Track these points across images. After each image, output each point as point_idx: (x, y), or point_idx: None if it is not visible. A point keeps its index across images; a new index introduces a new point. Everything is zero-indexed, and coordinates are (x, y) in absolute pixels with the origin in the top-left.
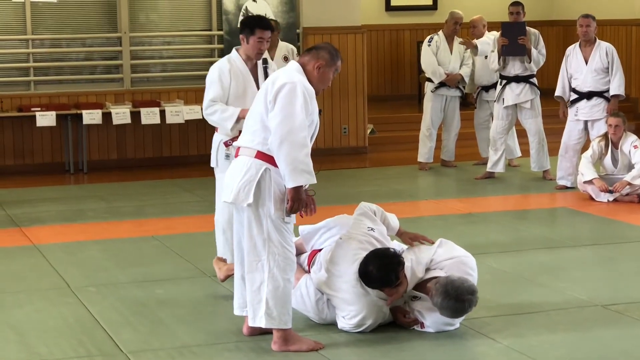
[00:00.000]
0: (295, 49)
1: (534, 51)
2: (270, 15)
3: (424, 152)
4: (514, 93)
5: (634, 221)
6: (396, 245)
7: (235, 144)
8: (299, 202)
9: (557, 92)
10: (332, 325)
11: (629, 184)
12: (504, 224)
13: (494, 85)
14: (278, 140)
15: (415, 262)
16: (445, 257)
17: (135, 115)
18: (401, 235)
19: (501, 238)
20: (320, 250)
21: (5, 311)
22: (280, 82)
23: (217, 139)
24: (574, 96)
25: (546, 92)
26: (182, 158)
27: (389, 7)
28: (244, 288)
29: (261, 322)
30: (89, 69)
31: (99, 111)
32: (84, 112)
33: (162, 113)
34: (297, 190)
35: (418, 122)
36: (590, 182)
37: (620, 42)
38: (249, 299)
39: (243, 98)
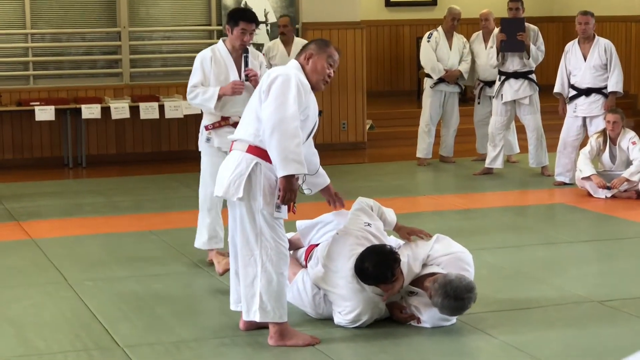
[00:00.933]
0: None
1: (532, 47)
2: (270, 10)
3: (423, 147)
4: (513, 89)
5: (631, 217)
6: (393, 240)
7: (230, 137)
8: (290, 193)
9: (556, 89)
10: (328, 320)
11: (627, 180)
12: (502, 220)
13: None
14: (270, 129)
15: (412, 257)
16: (442, 253)
17: (134, 110)
18: (399, 230)
19: (499, 234)
20: (317, 245)
21: (3, 305)
22: (275, 74)
23: (202, 123)
24: (572, 92)
25: (545, 88)
26: (181, 153)
27: (388, 3)
28: (238, 283)
29: (255, 317)
30: (89, 63)
31: (98, 106)
32: (83, 106)
33: (161, 108)
34: (288, 180)
35: (417, 117)
36: (588, 178)
37: (620, 38)
38: (242, 293)
39: (225, 85)
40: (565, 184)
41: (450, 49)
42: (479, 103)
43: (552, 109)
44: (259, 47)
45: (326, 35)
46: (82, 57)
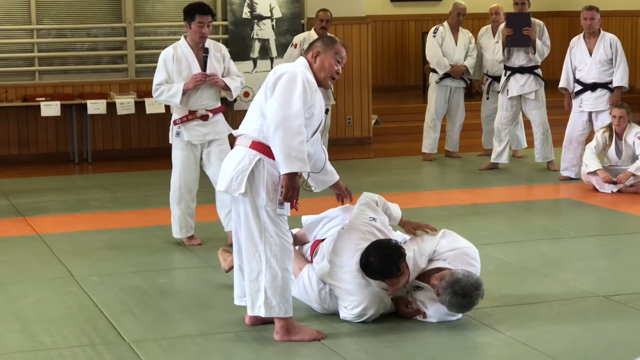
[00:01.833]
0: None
1: (538, 42)
2: (276, 6)
3: (428, 142)
4: (519, 84)
5: (637, 212)
6: (399, 235)
7: (234, 132)
8: (293, 190)
9: (562, 84)
10: (334, 315)
11: (633, 175)
12: (507, 215)
13: None
14: (273, 126)
15: (418, 252)
16: (448, 248)
17: (140, 105)
18: (404, 225)
19: (505, 229)
20: (323, 240)
21: (9, 300)
22: (281, 71)
23: (172, 119)
24: (578, 87)
25: (551, 83)
26: None
27: None
28: (242, 278)
29: (260, 312)
30: (94, 59)
31: (104, 101)
32: (88, 102)
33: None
34: (291, 177)
35: (422, 112)
36: (594, 173)
37: (626, 33)
38: (247, 288)
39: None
40: (571, 179)
41: (456, 44)
42: (487, 98)
43: (558, 104)
44: (264, 41)
45: (331, 30)
46: (88, 53)
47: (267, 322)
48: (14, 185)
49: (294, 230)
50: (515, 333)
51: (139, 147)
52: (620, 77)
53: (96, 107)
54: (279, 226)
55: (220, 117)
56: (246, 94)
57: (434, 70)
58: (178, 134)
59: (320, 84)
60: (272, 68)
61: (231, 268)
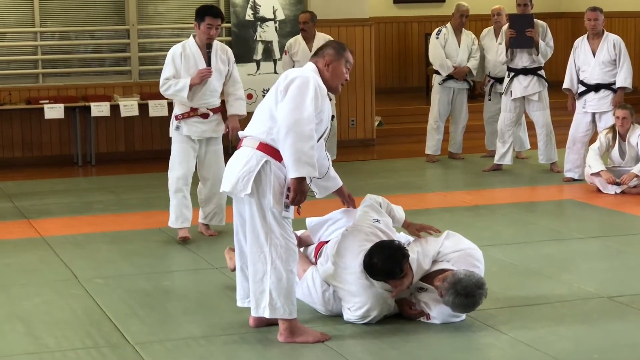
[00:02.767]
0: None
1: (541, 43)
2: (279, 7)
3: (432, 144)
4: (522, 85)
5: None
6: (402, 237)
7: (240, 133)
8: (301, 194)
9: (565, 85)
10: (338, 316)
11: (637, 176)
12: (511, 216)
13: None
14: (285, 129)
15: (422, 254)
16: (452, 250)
17: (143, 108)
18: (407, 226)
19: (508, 230)
20: (327, 242)
21: (14, 303)
22: (293, 75)
23: (173, 113)
24: (581, 88)
25: (554, 85)
26: None
27: (396, 0)
28: (244, 279)
29: (265, 313)
30: (97, 61)
31: (107, 103)
32: (92, 104)
33: (170, 105)
34: (299, 181)
35: (426, 114)
36: (597, 174)
37: (629, 34)
38: (251, 289)
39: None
40: (574, 180)
41: (459, 45)
42: (489, 100)
43: (561, 105)
44: (268, 43)
45: (334, 32)
46: (91, 55)
47: (271, 324)
48: (17, 188)
49: (299, 232)
50: (518, 334)
51: (143, 150)
52: (623, 78)
53: (100, 109)
54: (284, 228)
55: (219, 116)
56: (249, 96)
57: (437, 72)
58: (178, 127)
59: (331, 90)
60: (275, 70)
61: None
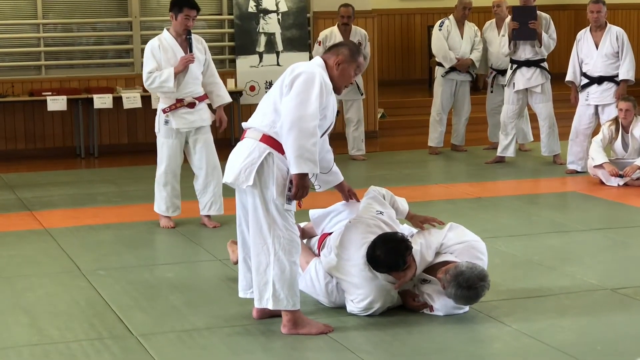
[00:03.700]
0: (367, 35)
1: (544, 35)
2: (282, 0)
3: (435, 136)
4: (525, 77)
5: None
6: (406, 229)
7: (243, 125)
8: (303, 190)
9: (568, 77)
10: (341, 308)
11: (639, 168)
12: (514, 208)
13: None
14: (288, 124)
15: (425, 246)
16: (455, 242)
17: (146, 100)
18: (411, 218)
19: (511, 222)
20: (330, 233)
21: (17, 294)
22: (299, 70)
23: (159, 107)
24: (584, 81)
25: (557, 77)
26: None
27: None
28: (247, 270)
29: (268, 304)
30: (100, 53)
31: (110, 95)
32: (94, 96)
33: None
34: (302, 177)
35: (428, 106)
36: (600, 166)
37: (632, 26)
38: (254, 280)
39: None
40: (577, 172)
41: (462, 37)
42: (492, 92)
43: (564, 97)
44: (270, 35)
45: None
46: (94, 47)
47: (275, 315)
48: (20, 180)
49: (302, 224)
50: (522, 326)
51: (145, 142)
52: (626, 70)
53: (102, 101)
54: (286, 219)
55: (204, 104)
56: (252, 88)
57: (439, 64)
58: (167, 122)
59: (334, 89)
60: (277, 62)
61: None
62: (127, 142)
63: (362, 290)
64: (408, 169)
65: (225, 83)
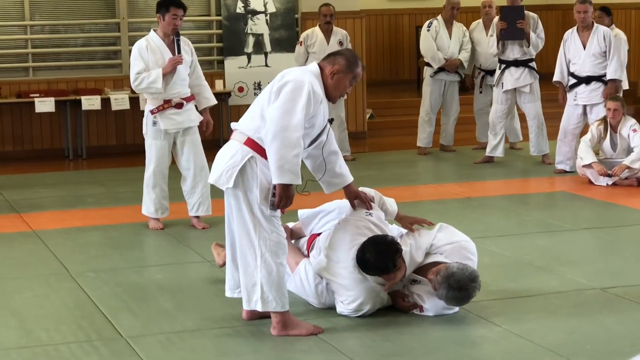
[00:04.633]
0: (348, 35)
1: (532, 35)
2: (269, 0)
3: (423, 136)
4: (513, 77)
5: (632, 205)
6: (395, 229)
7: (232, 125)
8: (287, 200)
9: (556, 77)
10: (331, 309)
11: (628, 167)
12: (503, 208)
13: None
14: (272, 134)
15: (415, 247)
16: (445, 242)
17: (134, 101)
18: (400, 219)
19: (500, 222)
20: (319, 234)
21: (5, 296)
22: (288, 78)
23: (147, 109)
24: (572, 81)
25: (545, 76)
26: None
27: None
28: (235, 270)
29: (257, 306)
30: (88, 55)
31: (98, 97)
32: (82, 98)
33: None
34: (286, 187)
35: (417, 106)
36: (589, 166)
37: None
38: (242, 282)
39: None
40: (566, 171)
41: (450, 37)
42: (480, 92)
43: (553, 97)
44: (258, 36)
45: None
46: (82, 49)
47: (264, 317)
48: (8, 182)
49: (291, 224)
50: (512, 326)
51: (134, 143)
52: (613, 70)
53: (90, 102)
54: (271, 222)
55: (192, 105)
56: (240, 89)
57: (428, 64)
58: (155, 123)
59: (329, 98)
60: (266, 63)
61: (225, 263)
62: (116, 144)
63: (351, 292)
64: (397, 169)
65: (213, 84)
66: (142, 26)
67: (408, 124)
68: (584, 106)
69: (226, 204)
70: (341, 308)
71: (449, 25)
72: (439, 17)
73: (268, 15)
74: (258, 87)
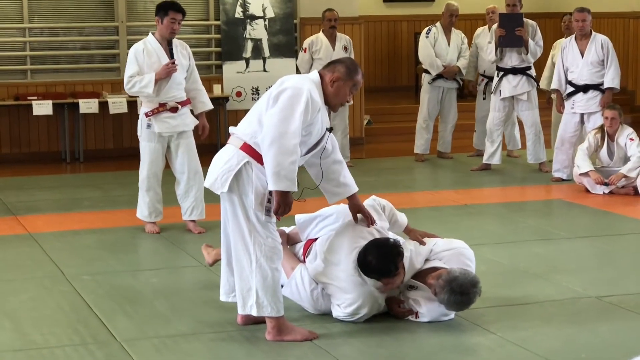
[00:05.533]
0: (351, 40)
1: (531, 43)
2: (268, 5)
3: (421, 143)
4: (511, 85)
5: (629, 213)
6: (392, 236)
7: (231, 129)
8: (285, 207)
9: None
10: (327, 315)
11: (625, 176)
12: (499, 216)
13: None
14: (269, 140)
15: (415, 252)
16: (444, 248)
17: (132, 105)
18: (409, 232)
19: (497, 229)
20: (315, 239)
21: (0, 299)
22: (287, 84)
23: (142, 111)
24: (570, 89)
25: None
26: None
27: None
28: (230, 274)
29: (252, 311)
30: (86, 58)
31: (96, 100)
32: (80, 101)
33: None
34: (284, 194)
35: (415, 113)
36: (586, 174)
37: (618, 35)
38: (237, 287)
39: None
40: (563, 180)
41: (449, 44)
42: (484, 98)
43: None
44: (257, 41)
45: None
46: (80, 52)
47: (259, 322)
48: (5, 184)
49: (288, 229)
50: (507, 334)
51: (131, 147)
52: (611, 78)
53: (88, 106)
54: (266, 227)
55: (187, 109)
56: (238, 94)
57: (426, 71)
58: (149, 126)
59: (329, 107)
60: (264, 68)
61: (215, 262)
62: (113, 147)
63: (349, 295)
64: (394, 176)
65: (211, 89)
66: (141, 30)
67: (405, 131)
68: (581, 114)
69: (222, 209)
70: (337, 312)
71: (447, 32)
72: (438, 24)
73: (267, 20)
74: (256, 92)
